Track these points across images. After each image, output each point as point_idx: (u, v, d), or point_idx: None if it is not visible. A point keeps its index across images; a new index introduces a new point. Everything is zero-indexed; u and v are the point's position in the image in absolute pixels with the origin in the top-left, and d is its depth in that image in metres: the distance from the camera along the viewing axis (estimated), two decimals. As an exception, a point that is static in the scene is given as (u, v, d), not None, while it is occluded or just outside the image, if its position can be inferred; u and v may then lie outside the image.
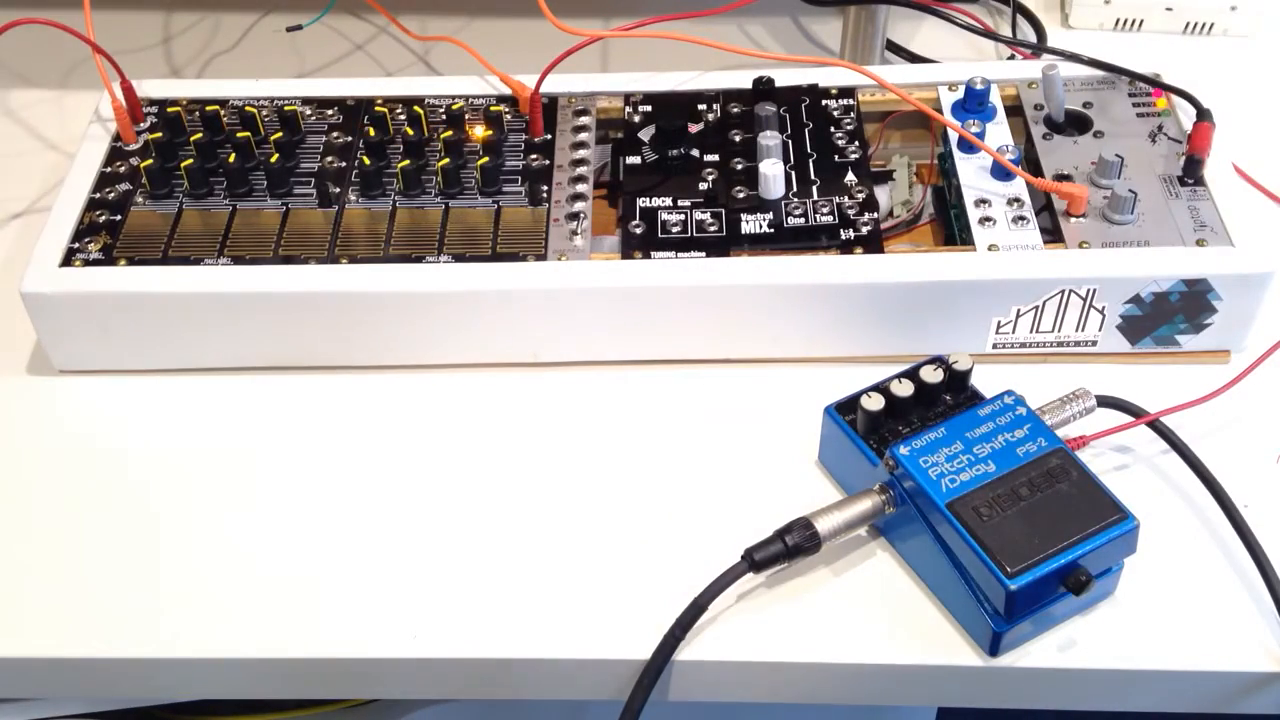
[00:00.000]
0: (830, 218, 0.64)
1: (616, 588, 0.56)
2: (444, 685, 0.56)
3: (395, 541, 0.58)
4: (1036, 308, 0.63)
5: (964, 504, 0.53)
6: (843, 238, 0.64)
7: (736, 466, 0.61)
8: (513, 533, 0.58)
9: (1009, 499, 0.53)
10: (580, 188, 0.67)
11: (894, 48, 0.84)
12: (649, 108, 0.71)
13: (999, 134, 0.68)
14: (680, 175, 0.67)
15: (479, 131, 0.69)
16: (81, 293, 0.63)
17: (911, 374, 0.58)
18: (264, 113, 0.71)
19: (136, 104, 0.70)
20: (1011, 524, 0.52)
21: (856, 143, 0.68)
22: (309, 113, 0.71)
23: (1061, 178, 0.66)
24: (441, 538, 0.58)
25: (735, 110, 0.70)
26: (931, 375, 0.58)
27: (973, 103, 0.69)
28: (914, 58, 0.84)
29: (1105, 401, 0.60)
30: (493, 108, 0.70)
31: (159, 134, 0.68)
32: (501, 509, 0.59)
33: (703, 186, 0.66)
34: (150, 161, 0.67)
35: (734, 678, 0.55)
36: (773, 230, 0.64)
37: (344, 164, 0.68)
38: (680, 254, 0.63)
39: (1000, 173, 0.66)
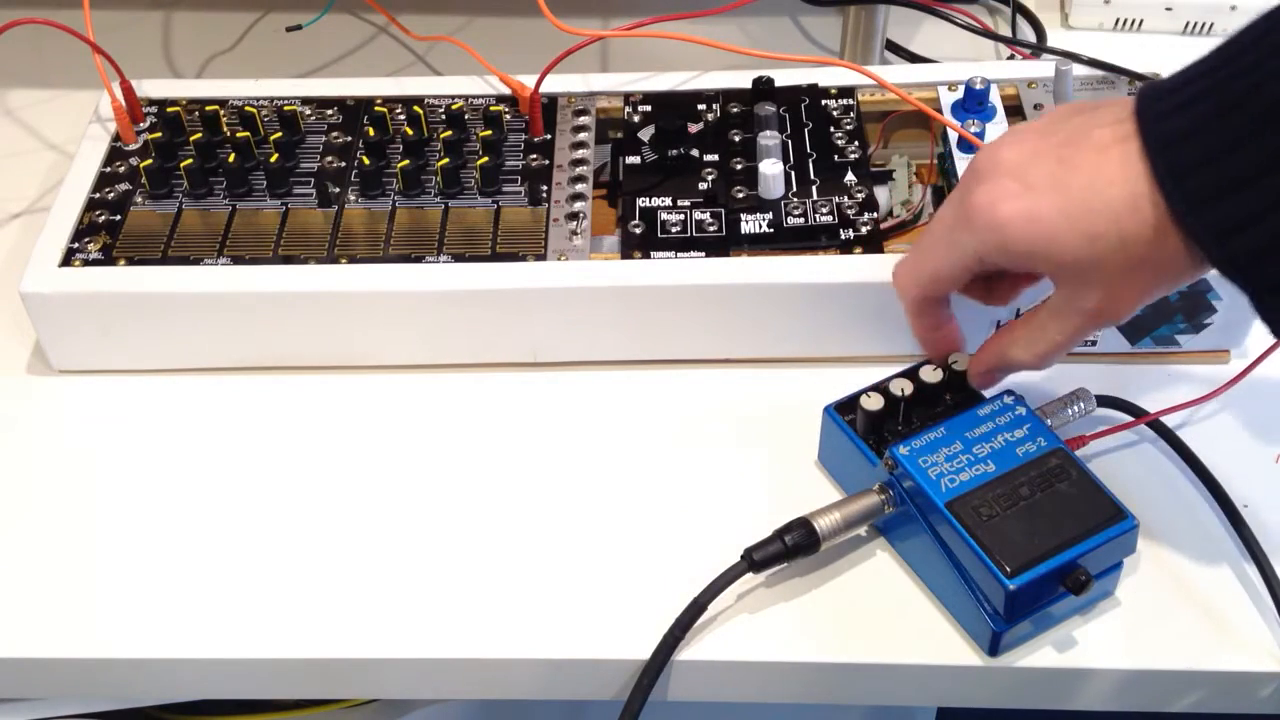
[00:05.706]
0: (830, 218, 0.64)
1: (616, 588, 0.56)
2: (444, 685, 0.56)
3: (395, 542, 0.58)
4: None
5: (963, 504, 0.53)
6: (842, 238, 0.64)
7: (736, 466, 0.61)
8: (512, 533, 0.58)
9: (1009, 499, 0.53)
10: (580, 188, 0.67)
11: (894, 48, 0.84)
12: (649, 108, 0.71)
13: (999, 134, 0.68)
14: (680, 175, 0.67)
15: (479, 131, 0.69)
16: (81, 293, 0.63)
17: (911, 374, 0.58)
18: (264, 113, 0.71)
19: (136, 104, 0.70)
20: (1011, 524, 0.52)
21: (856, 143, 0.68)
22: (309, 113, 0.71)
23: (1061, 178, 0.66)
24: (441, 538, 0.58)
25: (735, 110, 0.70)
26: (931, 375, 0.58)
27: (973, 103, 0.69)
28: (914, 58, 0.84)
29: (1105, 401, 0.60)
30: (493, 108, 0.70)
31: (159, 134, 0.68)
32: (501, 509, 0.59)
33: (702, 186, 0.66)
34: (150, 161, 0.67)
35: (734, 678, 0.55)
36: (772, 230, 0.64)
37: (344, 164, 0.68)
38: (680, 254, 0.63)
39: (1000, 173, 0.66)
